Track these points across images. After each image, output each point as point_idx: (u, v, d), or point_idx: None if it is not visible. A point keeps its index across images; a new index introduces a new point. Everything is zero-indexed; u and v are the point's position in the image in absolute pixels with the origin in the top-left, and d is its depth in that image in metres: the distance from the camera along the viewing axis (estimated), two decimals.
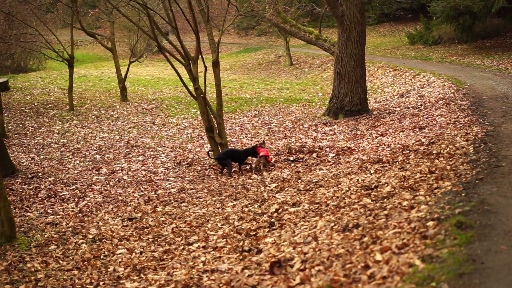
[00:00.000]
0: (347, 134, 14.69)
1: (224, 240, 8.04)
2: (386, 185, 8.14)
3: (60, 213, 10.18)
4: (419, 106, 16.21)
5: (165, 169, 13.19)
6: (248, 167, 12.91)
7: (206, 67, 13.36)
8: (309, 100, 23.06)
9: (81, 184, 12.02)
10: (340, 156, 12.23)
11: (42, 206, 10.57)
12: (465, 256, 4.63)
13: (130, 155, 14.66)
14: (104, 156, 14.56)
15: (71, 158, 14.33)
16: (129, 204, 10.64)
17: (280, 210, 8.74)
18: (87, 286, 7.02)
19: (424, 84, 20.26)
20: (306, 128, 16.72)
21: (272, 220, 8.37)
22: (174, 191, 11.37)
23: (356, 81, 17.11)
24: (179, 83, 24.39)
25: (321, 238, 6.39)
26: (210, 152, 13.41)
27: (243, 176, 12.12)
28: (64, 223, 9.53)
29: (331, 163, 11.80)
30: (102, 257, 8.09)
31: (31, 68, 37.27)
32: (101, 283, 7.11)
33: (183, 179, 12.31)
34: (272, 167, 12.40)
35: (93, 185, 11.99)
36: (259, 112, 20.51)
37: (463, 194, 6.42)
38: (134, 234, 8.97)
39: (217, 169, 12.88)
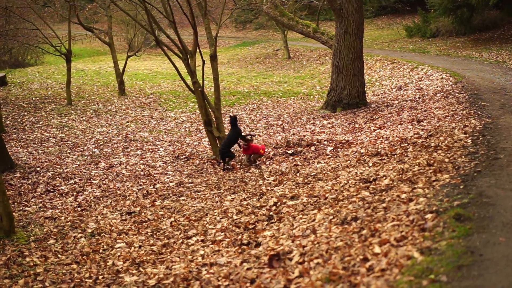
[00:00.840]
0: (345, 127, 14.69)
1: (223, 233, 8.05)
2: (384, 178, 8.15)
3: (58, 207, 10.17)
4: (417, 99, 16.21)
5: (163, 163, 13.19)
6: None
7: (204, 61, 13.35)
8: (307, 93, 23.06)
9: (79, 178, 12.01)
10: (338, 149, 12.23)
11: (40, 200, 10.56)
12: (463, 248, 4.64)
13: (128, 149, 14.65)
14: (103, 151, 14.56)
15: (69, 153, 14.32)
16: (127, 198, 10.64)
17: (279, 203, 8.74)
18: (86, 280, 7.01)
19: (422, 77, 20.25)
20: (304, 121, 16.72)
21: (271, 213, 8.38)
22: (173, 185, 11.37)
23: (354, 74, 17.11)
24: (177, 77, 24.42)
25: (320, 231, 6.40)
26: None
27: (241, 170, 12.11)
28: (62, 218, 9.53)
29: (329, 156, 11.80)
30: (101, 251, 8.09)
31: (29, 63, 37.18)
32: (100, 277, 7.10)
33: (182, 173, 12.31)
34: (270, 161, 12.39)
35: (91, 179, 11.98)
36: (257, 106, 20.51)
37: (461, 187, 6.43)
38: (133, 228, 8.97)
39: (215, 163, 12.87)
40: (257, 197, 9.64)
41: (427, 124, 12.05)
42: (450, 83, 17.10)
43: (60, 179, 11.90)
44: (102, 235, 8.73)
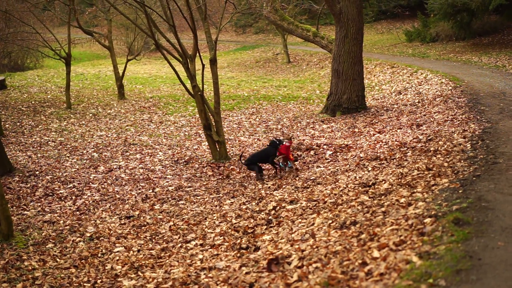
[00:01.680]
0: (345, 132, 14.69)
1: (222, 237, 8.05)
2: (383, 182, 8.15)
3: (57, 211, 10.17)
4: (417, 103, 16.21)
5: (162, 167, 13.18)
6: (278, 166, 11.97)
7: (203, 65, 13.34)
8: (306, 97, 23.05)
9: (78, 182, 12.00)
10: (338, 153, 12.23)
11: (39, 204, 10.56)
12: (462, 253, 4.63)
13: (128, 153, 14.64)
14: (102, 154, 14.54)
15: (68, 156, 14.31)
16: (126, 202, 10.64)
17: (278, 207, 8.74)
18: (85, 284, 7.01)
19: (421, 81, 20.27)
20: (304, 125, 16.72)
21: (270, 217, 8.38)
22: (172, 189, 11.36)
23: (354, 79, 17.11)
24: (177, 81, 24.42)
25: (319, 235, 6.39)
26: (242, 156, 12.95)
27: (242, 174, 12.10)
28: (61, 221, 9.53)
29: (329, 160, 11.81)
30: (99, 255, 8.09)
31: (28, 67, 37.25)
32: (98, 281, 7.10)
33: (181, 177, 12.30)
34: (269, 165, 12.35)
35: (90, 183, 11.97)
36: (256, 110, 20.50)
37: (460, 191, 6.43)
38: (132, 232, 8.97)
39: (214, 167, 12.86)
40: (256, 201, 9.64)
41: (426, 129, 12.05)
42: (450, 88, 17.11)
43: (59, 183, 11.89)
44: (100, 239, 8.73)
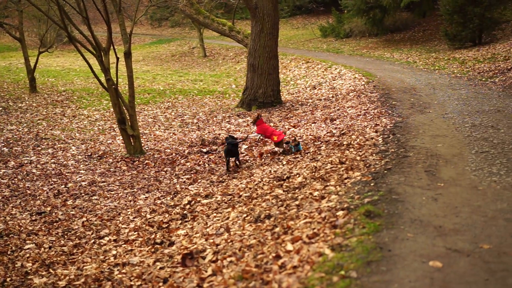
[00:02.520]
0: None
1: (136, 233, 7.94)
2: (298, 176, 8.23)
3: None
4: (331, 98, 16.47)
5: (75, 162, 12.89)
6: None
7: (118, 58, 13.13)
8: (222, 92, 23.06)
9: None
10: (253, 147, 12.27)
11: None
12: (373, 244, 4.72)
13: (39, 148, 14.24)
14: (12, 149, 14.09)
15: None
16: (38, 198, 10.34)
17: (193, 202, 8.70)
18: None
19: (335, 76, 20.61)
20: (220, 119, 16.71)
21: (185, 212, 8.33)
22: (85, 184, 11.13)
23: (269, 73, 17.22)
24: (91, 74, 23.97)
25: (233, 229, 6.40)
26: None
27: (156, 168, 11.99)
28: None
29: (244, 154, 11.84)
30: (9, 252, 7.83)
31: None
32: (8, 279, 6.87)
33: (94, 172, 12.07)
34: (185, 159, 12.29)
35: (0, 178, 11.59)
36: (172, 104, 20.35)
37: (372, 184, 6.56)
38: (43, 228, 8.73)
39: (129, 162, 12.69)
40: (171, 196, 9.57)
41: (340, 123, 12.26)
42: (363, 83, 17.47)
43: None
44: (10, 236, 8.45)
